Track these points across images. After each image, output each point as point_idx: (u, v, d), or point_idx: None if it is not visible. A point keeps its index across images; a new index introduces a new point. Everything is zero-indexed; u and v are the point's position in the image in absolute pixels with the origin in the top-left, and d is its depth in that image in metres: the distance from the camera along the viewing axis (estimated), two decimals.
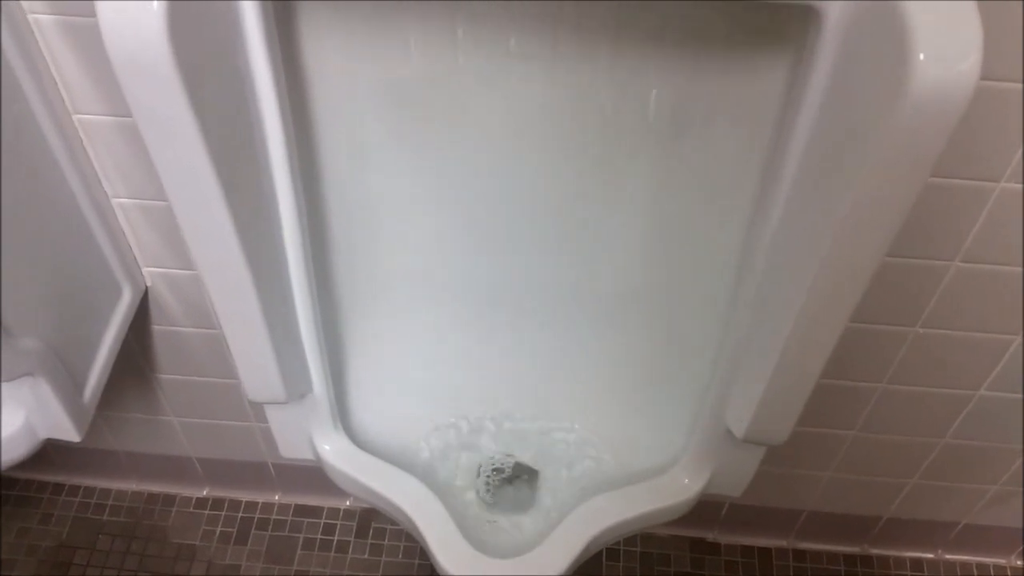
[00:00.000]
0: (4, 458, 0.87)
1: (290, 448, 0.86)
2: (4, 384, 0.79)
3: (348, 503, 1.39)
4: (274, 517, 1.39)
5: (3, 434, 0.86)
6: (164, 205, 0.90)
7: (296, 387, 0.76)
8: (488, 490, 0.93)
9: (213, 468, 1.36)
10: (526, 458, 0.94)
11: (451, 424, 0.93)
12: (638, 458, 0.91)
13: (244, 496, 1.41)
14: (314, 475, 1.31)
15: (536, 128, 0.73)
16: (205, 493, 1.42)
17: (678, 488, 0.85)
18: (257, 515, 1.40)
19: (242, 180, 0.59)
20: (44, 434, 0.87)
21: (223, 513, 1.40)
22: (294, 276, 0.71)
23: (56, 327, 0.82)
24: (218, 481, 1.39)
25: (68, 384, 0.85)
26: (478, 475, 0.93)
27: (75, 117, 0.82)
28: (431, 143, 0.74)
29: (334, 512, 1.39)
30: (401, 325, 0.88)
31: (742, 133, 0.68)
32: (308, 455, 0.85)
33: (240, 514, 1.40)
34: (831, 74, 0.56)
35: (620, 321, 0.86)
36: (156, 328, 1.06)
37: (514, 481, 0.95)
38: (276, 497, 1.40)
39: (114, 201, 0.90)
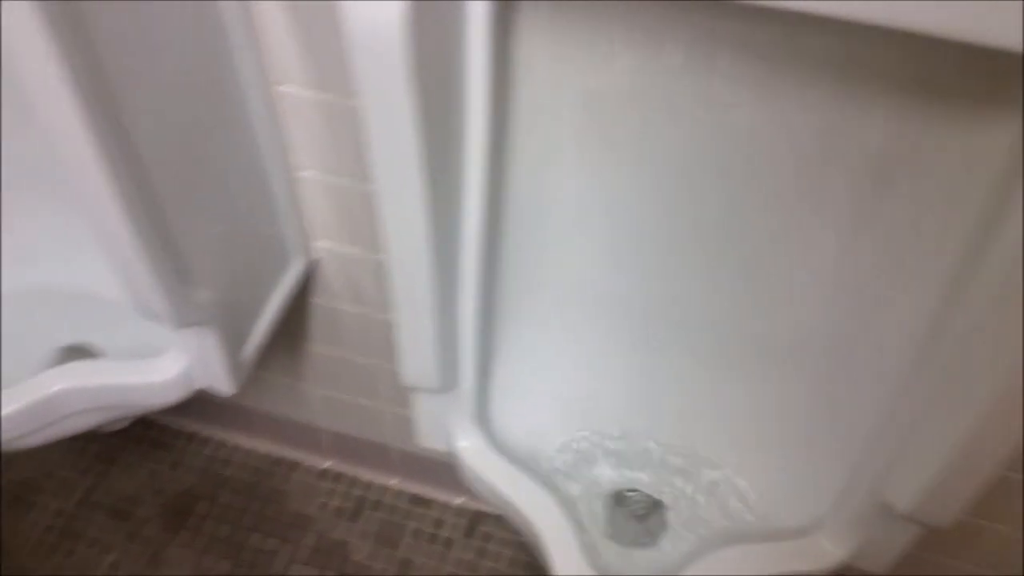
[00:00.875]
0: (158, 401, 0.91)
1: (428, 438, 0.87)
2: (177, 332, 0.83)
3: (461, 500, 1.40)
4: (389, 501, 1.41)
5: (161, 378, 0.90)
6: (346, 184, 0.92)
7: (448, 378, 0.76)
8: (615, 518, 0.91)
9: (340, 442, 1.38)
10: (656, 491, 0.92)
11: (588, 439, 0.91)
12: (778, 515, 0.88)
13: (364, 475, 1.43)
14: (434, 466, 1.32)
15: (730, 158, 0.71)
16: (328, 465, 1.45)
17: (820, 554, 0.81)
18: (373, 496, 1.41)
19: (443, 171, 0.60)
20: (200, 384, 0.91)
21: (341, 488, 1.42)
22: (465, 270, 0.72)
23: (229, 284, 0.86)
24: (342, 455, 1.42)
25: (232, 340, 0.88)
26: (607, 501, 0.91)
27: (278, 88, 0.85)
28: (619, 157, 0.74)
29: (446, 507, 1.40)
30: (556, 335, 0.88)
31: (953, 193, 0.65)
32: (443, 446, 0.85)
33: (357, 491, 1.42)
34: None
35: (784, 369, 0.83)
36: (315, 301, 1.09)
37: (641, 515, 0.93)
38: (394, 482, 1.42)
39: (298, 173, 0.93)
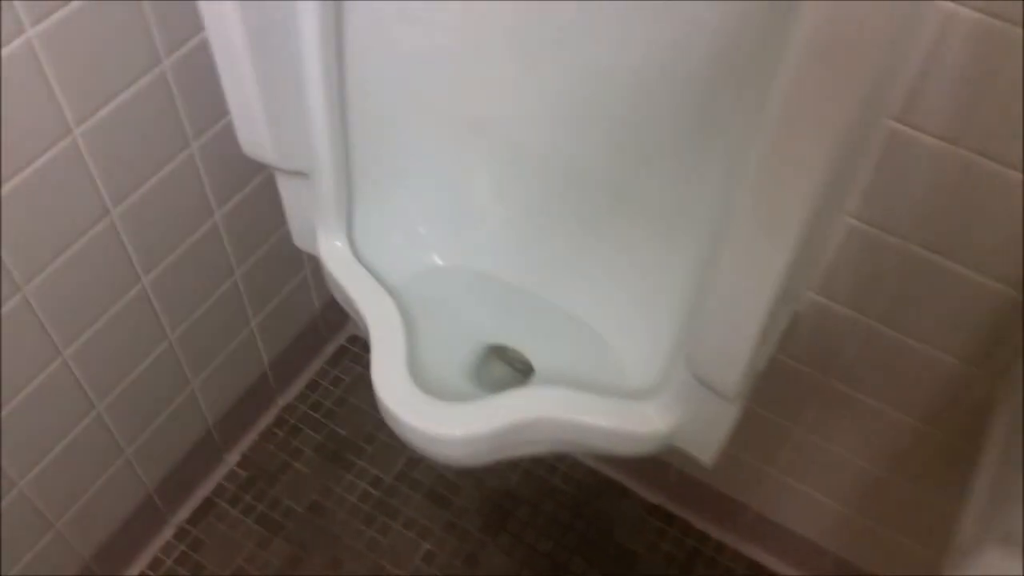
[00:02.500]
0: (625, 452, 0.78)
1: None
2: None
3: None
4: (724, 561, 1.20)
5: (643, 430, 0.75)
6: None
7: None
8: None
9: (684, 482, 1.19)
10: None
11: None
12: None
13: (699, 523, 1.22)
14: (782, 535, 1.13)
15: None
16: (659, 502, 1.24)
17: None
18: (708, 550, 1.20)
19: None
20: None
21: (673, 531, 1.22)
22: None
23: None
24: (676, 497, 1.23)
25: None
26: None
27: None
28: None
29: None
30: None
31: None
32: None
33: (690, 541, 1.21)
34: None
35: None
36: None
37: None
38: (731, 539, 1.21)
39: None
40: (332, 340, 1.36)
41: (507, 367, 0.91)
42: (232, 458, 1.24)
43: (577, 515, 1.23)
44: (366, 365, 0.97)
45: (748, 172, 0.53)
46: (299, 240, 0.89)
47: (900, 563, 1.02)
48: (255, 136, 0.75)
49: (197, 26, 0.84)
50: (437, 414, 0.74)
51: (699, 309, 0.63)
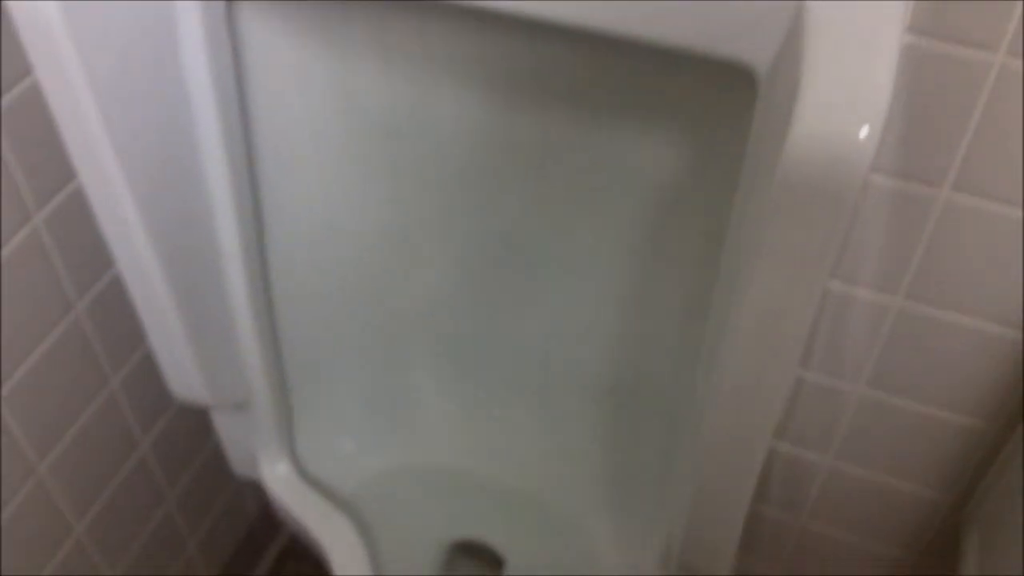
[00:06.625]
0: None
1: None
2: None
3: None
4: None
5: None
6: None
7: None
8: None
9: None
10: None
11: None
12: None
13: None
14: None
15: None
16: None
17: None
18: None
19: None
20: None
21: None
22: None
23: None
24: None
25: None
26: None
27: None
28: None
29: None
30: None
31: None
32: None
33: None
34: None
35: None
36: None
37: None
38: None
39: None
40: (274, 542, 1.29)
41: (476, 563, 0.87)
42: None
43: None
44: (313, 563, 0.91)
45: (718, 355, 0.53)
46: (239, 468, 0.84)
47: None
48: (187, 381, 0.71)
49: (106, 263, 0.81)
50: None
51: (680, 510, 0.62)
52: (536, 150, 0.66)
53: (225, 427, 0.80)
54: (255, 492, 1.17)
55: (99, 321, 0.82)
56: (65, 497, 0.85)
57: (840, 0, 0.42)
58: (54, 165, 0.70)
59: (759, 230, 0.44)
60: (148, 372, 0.88)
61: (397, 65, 0.66)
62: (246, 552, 1.22)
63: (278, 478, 0.80)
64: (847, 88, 0.39)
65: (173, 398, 0.93)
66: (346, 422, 0.86)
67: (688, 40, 0.47)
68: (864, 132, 0.39)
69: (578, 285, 0.74)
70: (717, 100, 0.56)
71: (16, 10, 0.50)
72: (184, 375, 0.70)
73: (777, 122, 0.43)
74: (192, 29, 0.57)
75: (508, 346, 0.81)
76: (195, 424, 1.00)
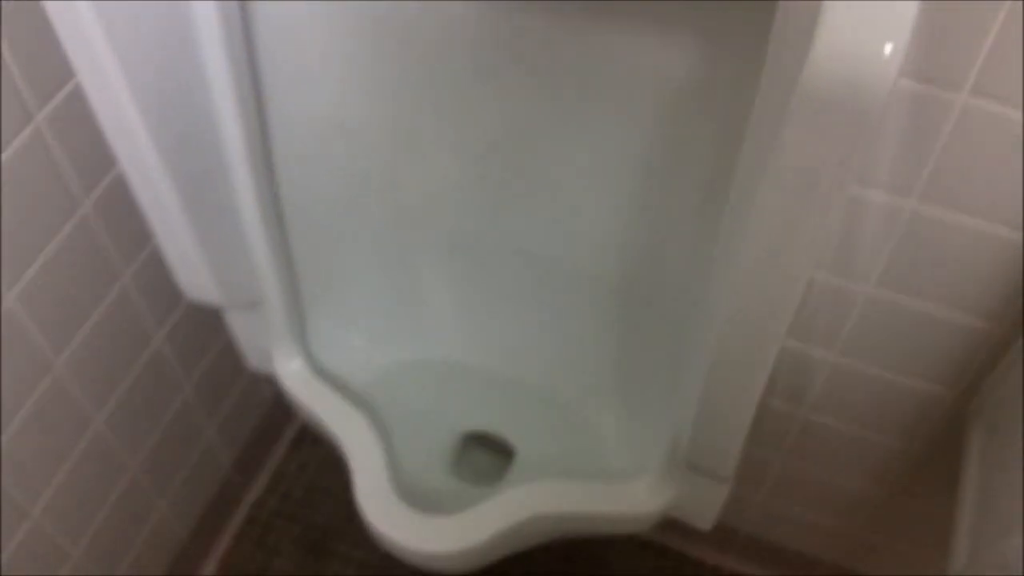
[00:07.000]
0: (625, 531, 0.77)
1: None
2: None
3: None
4: None
5: (639, 511, 0.74)
6: None
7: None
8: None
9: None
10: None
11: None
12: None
13: (693, 552, 1.20)
14: (778, 556, 1.13)
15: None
16: (651, 538, 1.21)
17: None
18: (703, 574, 1.17)
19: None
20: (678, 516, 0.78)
21: (668, 563, 1.19)
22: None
23: None
24: (667, 532, 1.19)
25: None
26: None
27: None
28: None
29: None
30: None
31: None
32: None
33: (687, 570, 1.19)
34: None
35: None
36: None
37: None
38: (725, 562, 1.18)
39: None
40: (289, 425, 1.32)
41: (487, 453, 0.90)
42: (209, 569, 1.20)
43: (571, 562, 1.22)
44: (328, 446, 0.95)
45: (729, 264, 0.53)
46: (255, 364, 0.86)
47: (898, 565, 1.03)
48: (198, 282, 0.72)
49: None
50: (431, 531, 0.72)
51: (688, 409, 0.63)
52: (546, 48, 0.64)
53: (238, 325, 0.81)
54: (269, 379, 1.20)
55: (107, 218, 0.82)
56: (83, 391, 0.86)
57: None
58: (53, 62, 0.69)
59: (779, 142, 0.43)
60: (159, 267, 0.89)
61: None
62: (263, 436, 1.25)
63: (292, 374, 0.81)
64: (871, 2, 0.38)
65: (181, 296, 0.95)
66: (357, 318, 0.87)
67: None
68: (888, 49, 0.37)
69: (587, 184, 0.73)
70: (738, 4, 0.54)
71: None
72: (195, 276, 0.70)
73: (799, 32, 0.42)
74: None
75: (515, 244, 0.81)
76: (208, 317, 1.01)
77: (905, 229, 0.67)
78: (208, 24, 0.60)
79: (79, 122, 0.73)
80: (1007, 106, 0.56)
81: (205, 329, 1.03)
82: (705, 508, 0.74)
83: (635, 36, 0.61)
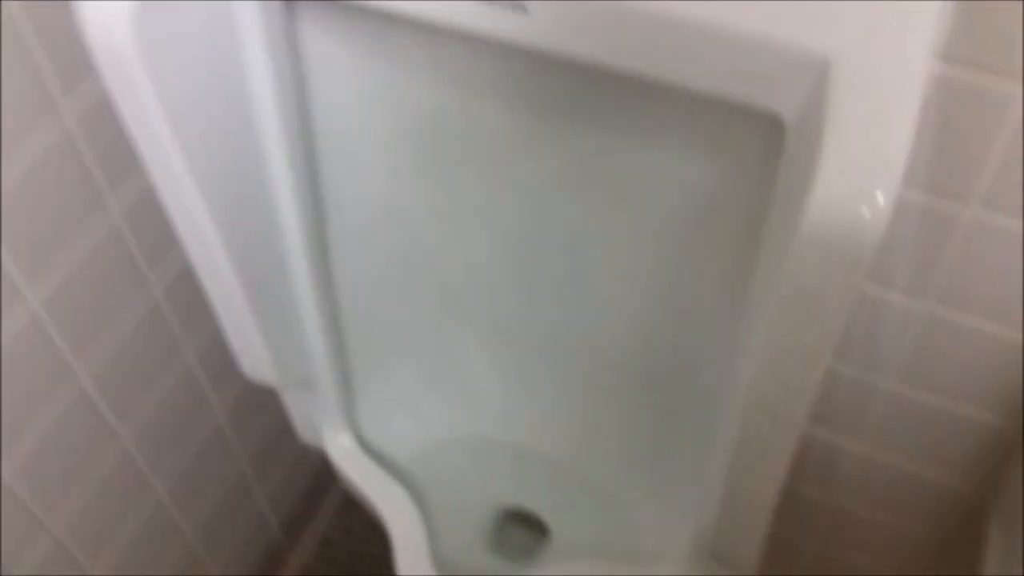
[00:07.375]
0: None
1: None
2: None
3: None
4: None
5: None
6: None
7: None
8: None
9: None
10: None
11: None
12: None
13: None
14: None
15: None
16: None
17: None
18: None
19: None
20: None
21: None
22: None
23: None
24: None
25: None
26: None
27: None
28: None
29: None
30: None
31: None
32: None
33: None
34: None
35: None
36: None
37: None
38: None
39: None
40: (334, 489, 1.37)
41: (524, 529, 0.93)
42: None
43: None
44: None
45: (748, 355, 0.56)
46: (305, 437, 0.91)
47: None
48: (258, 364, 0.77)
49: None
50: None
51: (711, 496, 0.66)
52: (575, 155, 0.70)
53: (291, 402, 0.87)
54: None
55: (176, 302, 0.89)
56: (145, 460, 0.92)
57: (864, 58, 0.45)
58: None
59: (783, 272, 0.47)
60: (222, 346, 0.94)
61: (445, 71, 0.69)
62: (310, 498, 1.30)
63: (340, 448, 0.86)
64: (866, 152, 0.42)
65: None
66: (402, 396, 0.92)
67: (715, 86, 0.50)
68: (880, 198, 0.42)
69: (616, 280, 0.78)
70: (754, 133, 0.59)
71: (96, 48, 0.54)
72: (255, 359, 0.76)
73: (802, 172, 0.46)
74: (252, 30, 0.60)
75: (551, 327, 0.85)
76: (263, 390, 1.06)
77: (921, 329, 0.70)
78: (271, 125, 0.66)
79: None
80: (1013, 219, 0.60)
81: (260, 400, 1.08)
82: None
83: (661, 153, 0.66)
